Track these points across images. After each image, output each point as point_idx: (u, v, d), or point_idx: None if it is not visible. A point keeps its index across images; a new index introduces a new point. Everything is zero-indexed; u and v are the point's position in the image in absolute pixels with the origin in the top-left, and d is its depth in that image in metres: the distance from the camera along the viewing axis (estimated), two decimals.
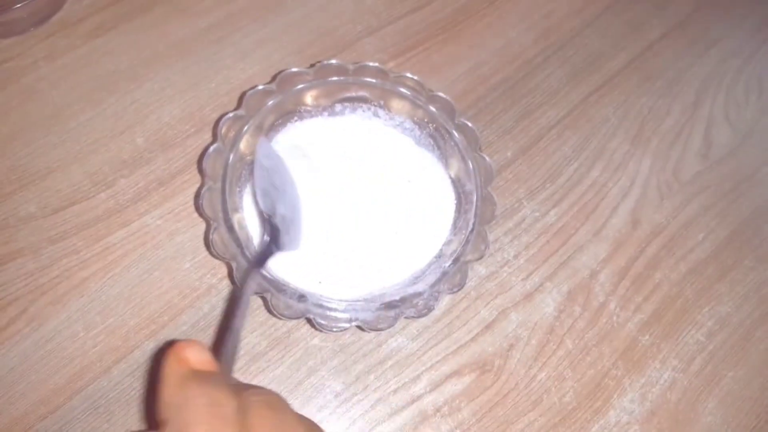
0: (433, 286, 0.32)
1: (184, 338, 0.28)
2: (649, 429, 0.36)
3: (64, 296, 0.34)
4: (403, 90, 0.37)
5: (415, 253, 0.35)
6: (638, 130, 0.46)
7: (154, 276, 0.35)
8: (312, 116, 0.38)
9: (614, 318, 0.39)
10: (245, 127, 0.35)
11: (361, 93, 0.38)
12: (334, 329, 0.31)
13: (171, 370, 0.20)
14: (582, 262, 0.40)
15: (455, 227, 0.36)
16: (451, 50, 0.46)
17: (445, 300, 0.37)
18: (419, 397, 0.35)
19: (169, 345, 0.23)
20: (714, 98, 0.48)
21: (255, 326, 0.35)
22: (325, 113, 0.38)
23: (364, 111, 0.39)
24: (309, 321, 0.34)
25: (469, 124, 0.37)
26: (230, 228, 0.32)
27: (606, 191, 0.43)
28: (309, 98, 0.38)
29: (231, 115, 0.35)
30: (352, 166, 0.37)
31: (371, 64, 0.37)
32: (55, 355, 0.33)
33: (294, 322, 0.36)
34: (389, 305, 0.32)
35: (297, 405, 0.34)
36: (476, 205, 0.35)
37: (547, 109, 0.45)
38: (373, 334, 0.36)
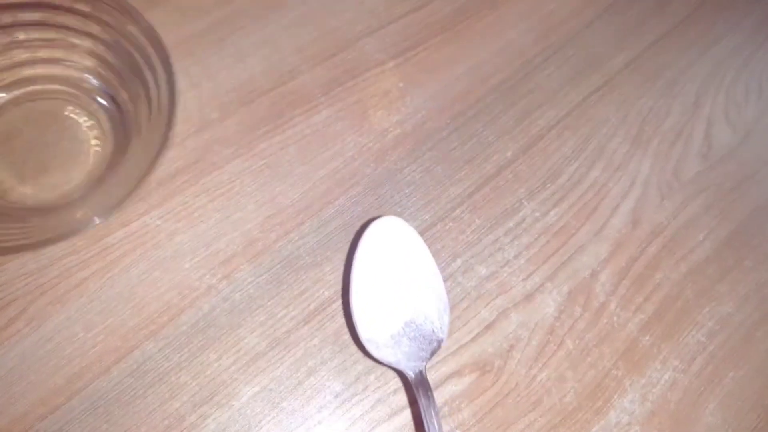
0: None
1: None
2: (650, 429, 0.36)
3: (63, 296, 0.34)
4: None
5: None
6: (638, 130, 0.46)
7: (153, 276, 0.35)
8: None
9: (615, 318, 0.39)
10: None
11: None
12: None
13: None
14: (582, 262, 0.40)
15: None
16: (451, 50, 0.46)
17: None
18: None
19: None
20: (714, 98, 0.48)
21: (255, 326, 0.35)
22: None
23: None
24: None
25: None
26: None
27: (606, 191, 0.43)
28: None
29: None
30: None
31: None
32: (55, 355, 0.33)
33: (294, 322, 0.35)
34: None
35: (297, 405, 0.34)
36: None
37: (546, 109, 0.45)
38: None
